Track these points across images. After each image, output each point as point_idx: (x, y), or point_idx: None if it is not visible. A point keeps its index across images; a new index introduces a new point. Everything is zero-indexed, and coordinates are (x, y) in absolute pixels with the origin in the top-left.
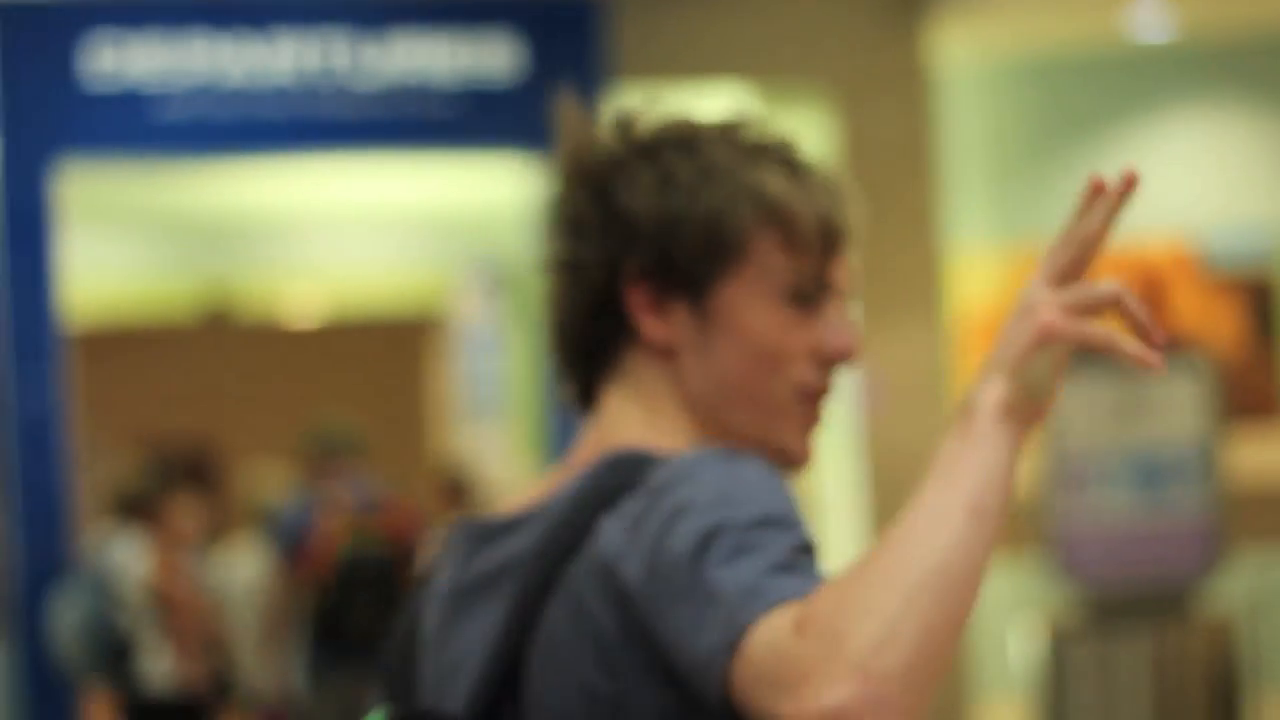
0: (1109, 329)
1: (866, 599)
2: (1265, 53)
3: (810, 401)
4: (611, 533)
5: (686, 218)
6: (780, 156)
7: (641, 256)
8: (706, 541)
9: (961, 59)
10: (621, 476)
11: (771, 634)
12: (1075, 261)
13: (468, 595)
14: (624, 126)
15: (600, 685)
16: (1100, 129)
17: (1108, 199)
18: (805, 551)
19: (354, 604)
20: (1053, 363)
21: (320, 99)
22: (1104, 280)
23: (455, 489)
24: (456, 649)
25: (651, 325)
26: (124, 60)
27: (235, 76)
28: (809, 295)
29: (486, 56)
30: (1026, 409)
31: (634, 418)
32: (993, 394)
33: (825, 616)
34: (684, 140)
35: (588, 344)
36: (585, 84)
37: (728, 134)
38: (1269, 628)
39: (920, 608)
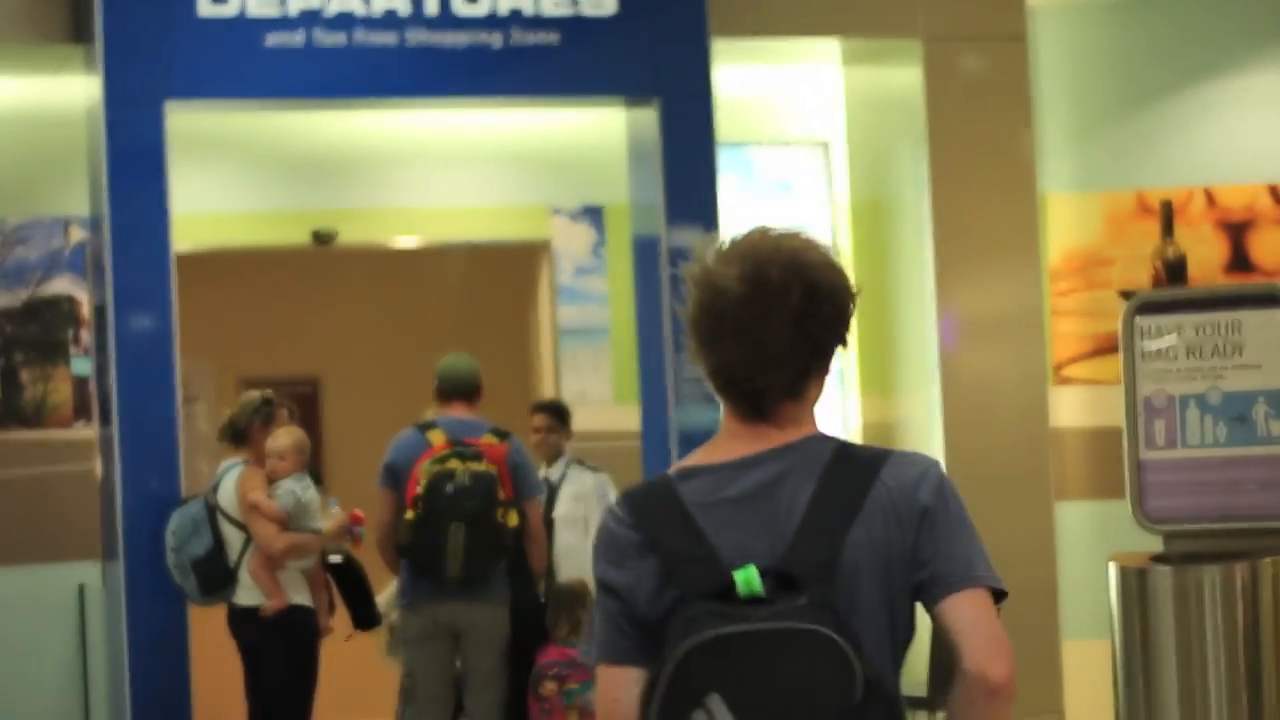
0: None
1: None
2: None
3: None
4: (907, 482)
5: None
6: None
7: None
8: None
9: (1048, 5)
10: (871, 450)
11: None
12: None
13: (742, 503)
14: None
15: (889, 565)
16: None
17: None
18: None
19: (443, 531)
20: None
21: (420, 43)
22: None
23: (556, 416)
24: (744, 536)
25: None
26: (232, 1)
27: (339, 21)
28: None
29: (589, 6)
30: None
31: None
32: None
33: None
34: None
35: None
36: (686, 39)
37: None
38: None
39: None
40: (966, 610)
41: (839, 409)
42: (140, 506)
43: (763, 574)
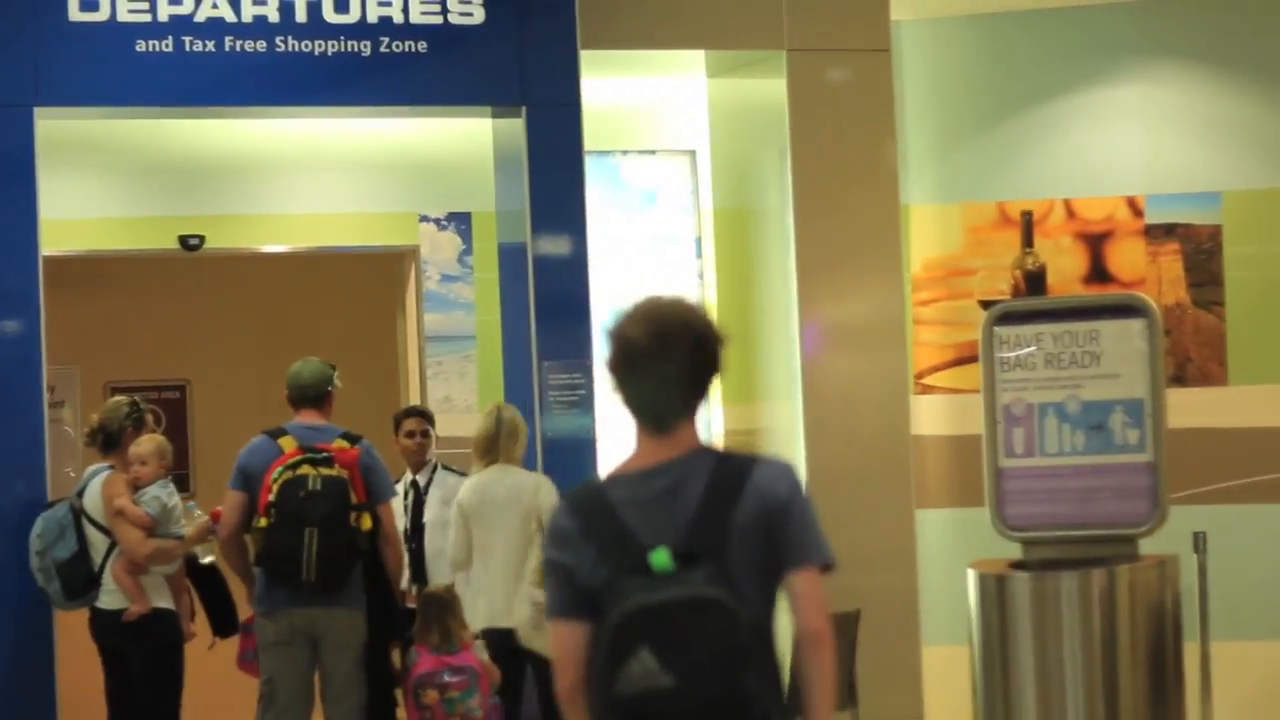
0: None
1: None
2: (1218, 9)
3: None
4: (770, 481)
5: None
6: None
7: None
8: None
9: (912, 18)
10: (743, 456)
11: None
12: None
13: (652, 503)
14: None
15: (760, 540)
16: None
17: None
18: None
19: (297, 536)
20: None
21: (290, 50)
22: None
23: (428, 420)
24: (656, 525)
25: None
26: (103, 7)
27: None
28: None
29: (458, 15)
30: None
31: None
32: None
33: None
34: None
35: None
36: (554, 49)
37: None
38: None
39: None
40: (803, 583)
41: (702, 417)
42: (6, 510)
43: (672, 554)
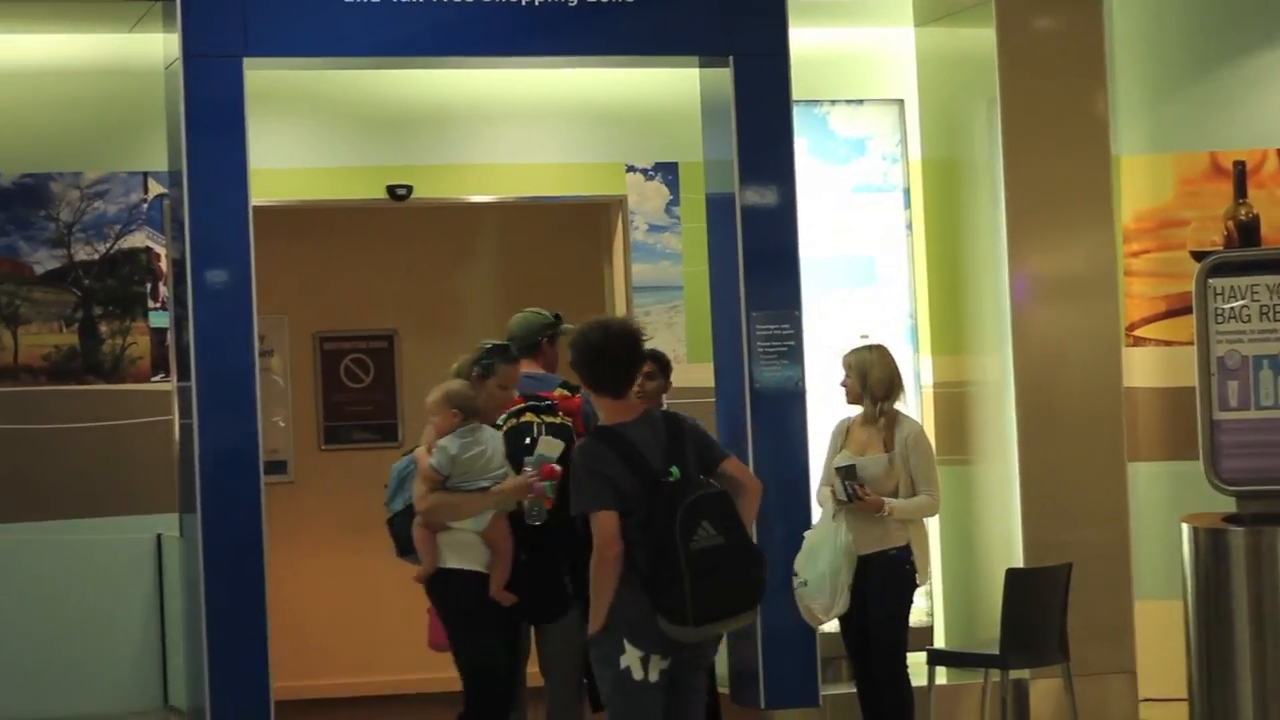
0: None
1: None
2: None
3: None
4: (692, 423)
5: None
6: None
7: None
8: None
9: None
10: (673, 412)
11: None
12: None
13: (645, 440)
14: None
15: (696, 455)
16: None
17: None
18: None
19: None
20: None
21: (497, 0)
22: None
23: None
24: (653, 451)
25: None
26: None
27: None
28: None
29: None
30: None
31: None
32: None
33: None
34: None
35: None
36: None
37: None
38: None
39: None
40: (732, 467)
41: (911, 369)
42: (218, 459)
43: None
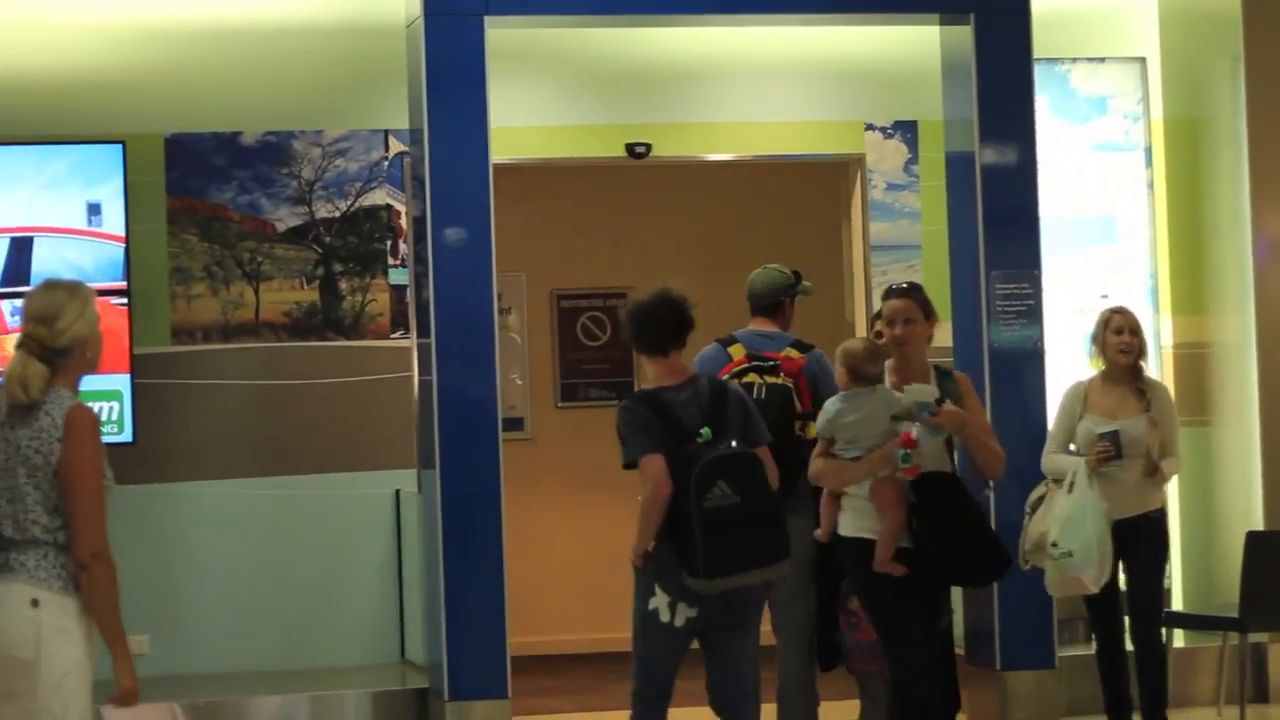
0: None
1: None
2: None
3: None
4: (736, 392)
5: None
6: None
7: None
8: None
9: None
10: (717, 379)
11: None
12: None
13: (686, 402)
14: None
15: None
16: None
17: None
18: None
19: None
20: None
21: None
22: None
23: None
24: (691, 413)
25: None
26: None
27: None
28: None
29: None
30: None
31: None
32: None
33: None
34: None
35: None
36: None
37: None
38: None
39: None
40: (762, 454)
41: (1151, 329)
42: (457, 416)
43: (711, 431)
